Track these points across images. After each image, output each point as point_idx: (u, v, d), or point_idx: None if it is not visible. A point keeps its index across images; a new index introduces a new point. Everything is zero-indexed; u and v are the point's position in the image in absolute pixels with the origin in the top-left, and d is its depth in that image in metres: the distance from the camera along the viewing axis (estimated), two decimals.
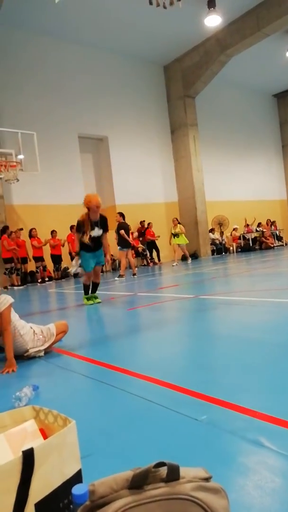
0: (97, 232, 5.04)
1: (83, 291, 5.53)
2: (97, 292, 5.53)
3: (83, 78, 13.42)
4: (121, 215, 9.63)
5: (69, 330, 3.05)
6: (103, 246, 5.23)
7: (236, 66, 15.07)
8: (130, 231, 13.26)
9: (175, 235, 12.20)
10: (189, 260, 12.48)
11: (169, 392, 1.87)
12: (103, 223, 5.12)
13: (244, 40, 12.81)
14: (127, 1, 11.00)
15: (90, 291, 5.42)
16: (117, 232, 9.27)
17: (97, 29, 12.49)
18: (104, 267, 13.24)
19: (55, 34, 12.51)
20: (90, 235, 4.96)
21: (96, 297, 5.44)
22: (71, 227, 11.60)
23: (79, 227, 5.02)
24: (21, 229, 11.09)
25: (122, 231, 9.25)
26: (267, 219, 18.30)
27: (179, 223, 12.31)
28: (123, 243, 9.32)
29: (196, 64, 14.35)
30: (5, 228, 10.57)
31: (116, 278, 9.06)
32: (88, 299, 5.40)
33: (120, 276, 9.15)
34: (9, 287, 10.22)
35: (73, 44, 13.09)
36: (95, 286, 5.46)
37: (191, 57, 14.53)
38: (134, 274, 9.48)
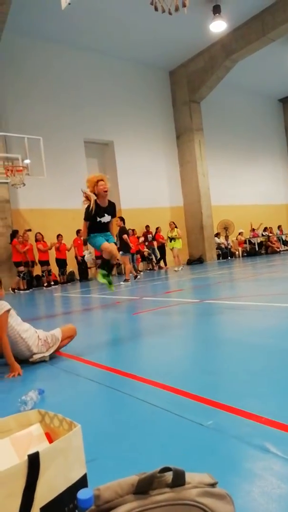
0: (106, 218, 4.72)
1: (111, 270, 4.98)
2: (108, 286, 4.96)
3: (88, 84, 13.52)
4: (122, 219, 9.60)
5: (75, 331, 3.04)
6: (110, 231, 4.90)
7: (241, 71, 15.11)
8: (135, 235, 13.29)
9: (172, 239, 12.08)
10: (181, 267, 12.04)
11: (175, 397, 1.86)
12: (112, 209, 4.81)
13: (249, 46, 12.84)
14: (132, 7, 11.09)
15: (107, 268, 4.83)
16: (119, 236, 9.21)
17: (102, 35, 12.60)
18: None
19: (60, 41, 12.63)
20: (101, 221, 4.67)
21: (110, 282, 4.88)
22: (78, 232, 11.67)
23: (88, 215, 4.66)
24: (29, 230, 11.12)
25: (125, 236, 9.22)
26: (279, 225, 18.30)
27: (175, 227, 12.19)
28: (126, 247, 9.29)
29: (202, 70, 14.40)
30: (15, 232, 10.64)
31: (122, 283, 9.04)
32: (103, 276, 4.76)
33: (125, 280, 9.14)
34: (16, 291, 10.25)
35: (78, 50, 13.21)
36: (110, 266, 4.86)
37: (196, 62, 14.59)
38: (126, 280, 9.25)
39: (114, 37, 12.77)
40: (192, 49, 14.12)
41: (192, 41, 13.51)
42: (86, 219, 4.69)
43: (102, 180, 4.57)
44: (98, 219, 4.62)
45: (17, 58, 12.07)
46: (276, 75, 16.74)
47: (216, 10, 11.64)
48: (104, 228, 4.75)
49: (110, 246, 4.60)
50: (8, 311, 2.61)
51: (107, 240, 4.73)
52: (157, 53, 14.10)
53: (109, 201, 4.78)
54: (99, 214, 4.62)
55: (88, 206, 4.62)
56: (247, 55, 13.44)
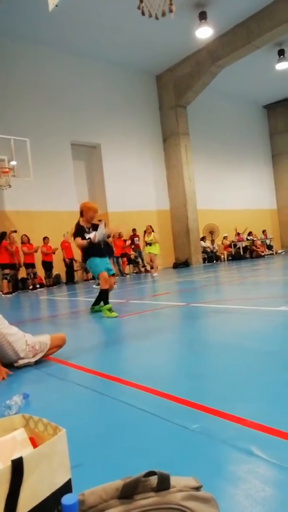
0: (92, 235, 4.88)
1: (101, 302, 4.92)
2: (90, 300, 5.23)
3: (76, 87, 13.50)
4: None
5: (64, 340, 3.00)
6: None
7: (227, 77, 15.30)
8: (122, 238, 13.28)
9: (148, 243, 11.64)
10: (155, 273, 11.61)
11: (161, 400, 1.86)
12: (95, 228, 5.00)
13: (235, 52, 13.03)
14: (120, 12, 11.14)
15: (103, 300, 4.89)
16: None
17: (90, 39, 12.61)
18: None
19: (49, 44, 12.60)
20: (89, 238, 4.83)
21: (100, 309, 4.94)
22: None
23: (76, 233, 4.91)
24: (15, 231, 10.95)
25: (111, 239, 9.18)
26: (263, 230, 18.55)
27: (153, 231, 11.80)
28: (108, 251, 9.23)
29: (188, 74, 14.54)
30: (4, 234, 10.49)
31: (95, 286, 8.82)
32: (110, 310, 4.66)
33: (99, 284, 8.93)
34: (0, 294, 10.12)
35: (67, 53, 13.19)
36: (105, 294, 4.91)
37: (183, 67, 14.72)
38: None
39: (102, 41, 12.80)
40: (178, 54, 14.25)
41: (179, 46, 13.64)
42: (74, 236, 4.92)
43: (92, 210, 4.96)
44: (86, 236, 4.84)
45: (6, 61, 11.98)
46: (261, 82, 17.01)
47: (202, 16, 11.78)
48: (100, 248, 4.90)
49: (109, 279, 4.96)
50: None
51: (107, 270, 4.94)
52: (144, 57, 14.18)
53: (93, 224, 5.04)
54: (86, 231, 4.88)
55: (76, 224, 4.93)
56: (233, 62, 13.64)
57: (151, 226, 11.98)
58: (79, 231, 4.88)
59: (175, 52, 14.05)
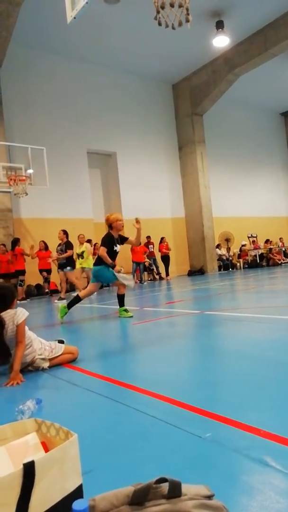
0: (119, 248, 5.30)
1: (118, 304, 5.36)
2: (83, 305, 5.46)
3: (92, 95, 13.69)
4: (65, 233, 9.02)
5: (77, 352, 3.02)
6: (130, 242, 5.48)
7: (243, 85, 15.29)
8: (142, 245, 13.26)
9: (80, 255, 10.01)
10: (78, 292, 9.37)
11: (174, 408, 1.85)
12: (121, 239, 5.38)
13: (251, 60, 13.02)
14: (137, 22, 11.28)
15: (122, 304, 5.35)
16: (65, 251, 8.67)
17: (107, 48, 12.80)
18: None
19: (64, 53, 12.83)
20: (116, 251, 5.22)
21: (126, 310, 5.31)
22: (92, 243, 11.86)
23: (107, 241, 5.20)
24: (18, 239, 10.93)
25: (71, 251, 8.71)
26: (280, 237, 18.31)
27: (87, 241, 10.21)
28: (73, 263, 8.86)
29: (204, 83, 14.58)
30: (17, 240, 10.60)
31: (56, 301, 8.43)
32: (126, 310, 5.24)
33: (60, 298, 8.59)
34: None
35: (83, 62, 13.41)
36: (121, 298, 5.36)
37: (199, 76, 14.78)
38: (60, 298, 8.65)
39: (118, 51, 12.97)
40: (195, 63, 14.32)
41: (196, 55, 13.71)
42: (104, 245, 5.17)
43: (121, 220, 5.31)
44: (114, 248, 5.19)
45: (22, 69, 12.25)
46: (278, 89, 16.93)
47: (219, 25, 11.83)
48: (115, 257, 5.24)
49: (90, 292, 5.40)
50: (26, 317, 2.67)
51: (113, 276, 5.20)
52: (161, 67, 14.30)
53: (120, 235, 5.39)
54: (115, 243, 5.21)
55: (107, 234, 5.23)
56: (250, 70, 13.62)
57: (83, 235, 10.39)
58: (109, 241, 5.19)
59: (191, 61, 14.13)
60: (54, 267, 11.39)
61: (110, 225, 5.29)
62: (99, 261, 5.19)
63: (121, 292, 5.29)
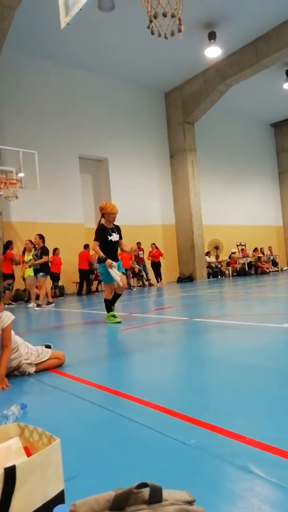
0: (115, 237, 5.08)
1: (105, 309, 5.21)
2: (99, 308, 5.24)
3: (85, 101, 13.74)
4: (41, 237, 8.72)
5: (63, 357, 3.00)
6: (121, 248, 5.25)
7: (235, 95, 15.51)
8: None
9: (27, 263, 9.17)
10: (34, 305, 8.64)
11: (159, 414, 1.84)
12: (118, 229, 5.20)
13: (243, 72, 13.23)
14: (130, 30, 11.39)
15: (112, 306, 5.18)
16: (40, 257, 8.45)
17: (100, 55, 12.89)
18: (100, 286, 13.22)
19: (58, 58, 12.88)
20: (111, 240, 5.02)
21: (114, 316, 5.11)
22: (86, 246, 11.93)
23: (99, 234, 5.03)
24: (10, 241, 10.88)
25: (47, 257, 8.53)
26: (269, 246, 18.50)
27: (34, 247, 8.89)
28: (46, 269, 8.63)
29: (196, 92, 14.76)
30: (8, 243, 10.48)
31: (36, 308, 8.25)
32: (114, 316, 5.06)
33: (38, 305, 8.42)
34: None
35: (76, 69, 13.47)
36: (116, 297, 5.21)
37: (191, 85, 14.96)
38: (38, 305, 8.42)
39: (112, 58, 13.07)
40: (187, 72, 14.50)
41: (188, 65, 13.88)
42: (96, 238, 5.00)
43: (115, 214, 5.11)
44: (109, 238, 4.97)
45: (15, 73, 12.26)
46: (269, 101, 17.21)
47: (212, 36, 12.01)
48: (114, 248, 5.07)
49: (110, 291, 5.13)
50: (12, 321, 2.64)
51: (118, 269, 5.01)
52: (153, 75, 14.44)
53: (114, 224, 5.21)
54: (109, 233, 5.01)
55: (98, 227, 5.04)
56: (241, 80, 13.83)
57: (30, 241, 9.27)
58: (102, 232, 4.99)
59: (184, 70, 14.30)
60: (18, 272, 11.03)
61: (102, 214, 5.09)
62: (98, 259, 5.06)
63: (106, 297, 5.13)
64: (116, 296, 5.22)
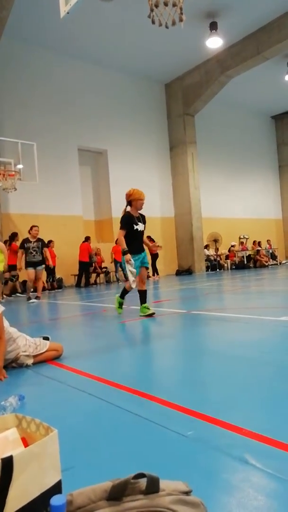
0: (141, 226, 4.81)
1: (118, 295, 5.09)
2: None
3: (85, 93, 13.63)
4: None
5: (61, 349, 3.00)
6: (144, 242, 4.95)
7: (236, 87, 15.39)
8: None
9: None
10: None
11: (157, 406, 1.85)
12: (144, 219, 4.94)
13: (244, 63, 13.11)
14: (131, 20, 11.26)
15: (123, 296, 5.05)
16: (42, 248, 8.50)
17: (100, 46, 12.75)
18: (98, 279, 13.24)
19: (58, 49, 12.74)
20: (137, 230, 4.75)
21: (148, 308, 4.80)
22: (87, 238, 11.94)
23: (125, 223, 4.73)
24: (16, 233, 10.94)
25: (46, 249, 8.53)
26: (267, 239, 18.47)
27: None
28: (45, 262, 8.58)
29: (197, 84, 14.64)
30: (14, 235, 10.47)
31: (34, 301, 8.20)
32: (120, 305, 4.98)
33: (37, 297, 8.44)
34: (5, 296, 10.11)
35: (76, 60, 13.33)
36: (143, 295, 4.85)
37: (192, 76, 14.83)
38: (37, 297, 8.45)
39: (112, 49, 12.93)
40: (188, 63, 14.36)
41: (189, 56, 13.75)
42: (122, 226, 4.74)
43: (143, 200, 4.86)
44: (135, 227, 4.74)
45: (15, 64, 12.13)
46: (270, 93, 17.08)
47: (213, 26, 11.88)
48: (140, 238, 4.82)
49: (144, 272, 4.84)
50: (2, 312, 2.61)
51: (143, 264, 4.83)
52: (153, 66, 14.30)
53: (140, 213, 4.95)
54: (135, 222, 4.77)
55: (124, 215, 4.79)
56: (242, 72, 13.72)
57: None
58: (128, 221, 4.72)
59: (184, 61, 14.16)
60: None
61: (129, 201, 4.79)
62: (123, 250, 4.76)
63: (128, 289, 4.80)
64: (142, 293, 4.89)
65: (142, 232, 4.84)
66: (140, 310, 4.80)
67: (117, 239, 5.26)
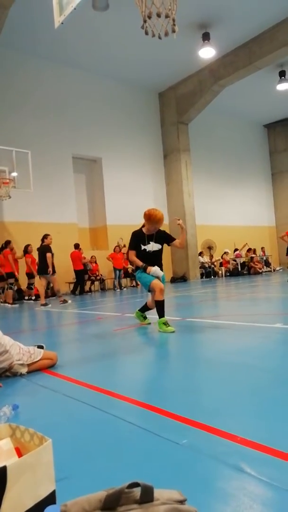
0: (152, 247, 4.37)
1: (137, 314, 4.75)
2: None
3: (79, 101, 13.71)
4: (45, 236, 8.96)
5: (56, 357, 2.99)
6: (175, 245, 4.52)
7: (228, 96, 15.57)
8: (121, 252, 13.28)
9: None
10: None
11: (152, 414, 1.85)
12: (161, 237, 4.46)
13: (236, 72, 13.29)
14: (124, 30, 11.38)
15: (144, 310, 4.63)
16: (43, 255, 8.58)
17: (94, 55, 12.86)
18: (93, 286, 13.20)
19: (52, 57, 12.83)
20: (146, 250, 4.34)
21: (145, 317, 4.68)
22: (76, 246, 11.77)
23: (131, 242, 4.41)
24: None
25: (49, 254, 8.61)
26: (262, 247, 18.57)
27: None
28: (46, 269, 8.64)
29: (190, 93, 14.79)
30: (7, 243, 10.45)
31: (41, 306, 8.38)
32: (165, 324, 4.15)
33: (43, 304, 8.61)
34: (2, 303, 10.05)
35: (70, 68, 13.43)
36: (160, 304, 4.35)
37: (185, 85, 14.99)
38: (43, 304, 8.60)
39: (106, 58, 13.05)
40: (181, 72, 14.53)
41: (182, 65, 13.91)
42: (129, 246, 4.43)
43: (156, 227, 4.37)
44: (143, 247, 4.33)
45: (8, 72, 12.19)
46: (262, 102, 17.30)
47: (206, 37, 12.05)
48: (152, 258, 4.36)
49: (160, 290, 4.25)
50: None
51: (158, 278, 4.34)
52: (147, 75, 14.44)
53: (159, 230, 4.45)
54: (144, 241, 4.34)
55: (133, 232, 4.43)
56: (235, 81, 13.89)
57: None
58: (134, 240, 4.35)
59: (178, 70, 14.32)
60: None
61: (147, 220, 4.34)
62: (136, 267, 4.47)
63: (158, 298, 4.27)
64: (146, 308, 4.63)
65: (154, 253, 4.37)
66: (158, 326, 4.29)
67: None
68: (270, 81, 15.31)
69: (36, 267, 10.98)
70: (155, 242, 4.39)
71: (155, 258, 4.40)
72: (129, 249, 4.45)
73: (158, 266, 4.38)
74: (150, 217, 4.28)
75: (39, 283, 9.15)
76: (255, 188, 20.05)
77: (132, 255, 4.36)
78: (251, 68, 13.06)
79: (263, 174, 20.66)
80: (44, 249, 8.72)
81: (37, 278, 9.27)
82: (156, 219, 4.26)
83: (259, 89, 15.83)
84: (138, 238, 4.37)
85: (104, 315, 6.30)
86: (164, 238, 4.47)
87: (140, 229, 4.44)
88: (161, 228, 4.47)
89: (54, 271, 8.81)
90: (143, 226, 4.44)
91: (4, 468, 0.83)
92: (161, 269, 4.43)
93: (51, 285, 9.46)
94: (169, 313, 6.02)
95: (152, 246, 4.36)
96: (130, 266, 13.82)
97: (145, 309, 4.70)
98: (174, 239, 4.50)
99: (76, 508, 0.71)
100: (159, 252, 4.44)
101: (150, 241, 4.36)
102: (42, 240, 8.97)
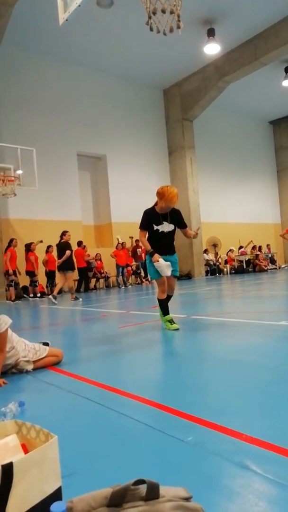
0: (166, 227, 4.07)
1: (159, 311, 4.26)
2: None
3: (83, 98, 13.70)
4: (64, 233, 9.09)
5: (61, 354, 3.00)
6: (186, 235, 4.27)
7: (233, 93, 15.48)
8: (126, 249, 13.28)
9: None
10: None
11: (157, 412, 1.85)
12: (175, 217, 4.15)
13: (241, 68, 13.20)
14: (129, 26, 11.34)
15: (165, 308, 4.14)
16: (62, 252, 8.70)
17: (98, 52, 12.83)
18: (98, 284, 13.22)
19: (57, 55, 12.82)
20: (158, 230, 4.04)
21: (171, 321, 4.14)
22: (79, 243, 11.81)
23: (142, 221, 4.07)
24: (41, 241, 11.14)
25: (68, 252, 8.72)
26: (267, 244, 18.49)
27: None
28: (70, 265, 8.75)
29: (195, 89, 14.72)
30: (10, 240, 10.53)
31: (53, 300, 8.45)
32: (170, 321, 4.01)
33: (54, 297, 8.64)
34: (8, 301, 10.11)
35: (75, 66, 13.41)
36: (167, 298, 4.22)
37: (190, 82, 14.92)
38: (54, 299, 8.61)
39: (110, 55, 13.02)
40: (186, 69, 14.45)
41: (187, 62, 13.84)
42: (140, 225, 4.08)
43: (172, 201, 3.99)
44: (155, 227, 4.01)
45: (13, 70, 12.20)
46: (267, 98, 17.19)
47: (211, 33, 11.97)
48: (165, 242, 4.09)
49: (163, 288, 4.03)
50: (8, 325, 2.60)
51: (172, 271, 4.09)
52: (152, 72, 14.39)
53: (173, 209, 4.12)
54: (156, 221, 4.00)
55: (145, 211, 4.09)
56: (240, 78, 13.80)
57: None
58: (145, 219, 4.01)
59: (182, 67, 14.26)
60: (41, 270, 11.36)
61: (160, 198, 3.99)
62: (146, 252, 4.11)
63: (158, 297, 4.13)
64: (162, 304, 4.19)
65: (168, 234, 4.08)
66: (164, 324, 4.19)
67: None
68: (276, 77, 15.19)
69: (39, 264, 11.09)
70: (170, 222, 4.08)
71: (167, 240, 4.12)
72: (140, 228, 4.07)
73: (170, 248, 4.15)
74: (165, 194, 3.93)
75: (60, 279, 9.20)
76: (261, 185, 19.95)
77: (142, 235, 4.05)
78: (256, 64, 12.96)
79: (269, 171, 20.54)
80: (64, 246, 8.85)
81: (57, 273, 9.40)
82: (170, 196, 3.91)
83: (264, 86, 15.72)
84: (150, 217, 4.03)
85: (109, 312, 6.31)
86: (178, 219, 4.16)
87: (153, 207, 4.08)
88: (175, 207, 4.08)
89: (72, 268, 8.90)
90: (155, 204, 4.09)
91: (10, 464, 0.83)
92: (174, 251, 4.19)
93: (56, 282, 9.55)
94: (174, 310, 6.02)
95: (166, 227, 4.06)
96: (135, 263, 13.82)
97: (163, 306, 4.18)
98: (186, 226, 4.28)
99: (82, 505, 0.71)
100: (172, 233, 4.15)
101: (164, 221, 4.05)
102: (61, 237, 9.11)
